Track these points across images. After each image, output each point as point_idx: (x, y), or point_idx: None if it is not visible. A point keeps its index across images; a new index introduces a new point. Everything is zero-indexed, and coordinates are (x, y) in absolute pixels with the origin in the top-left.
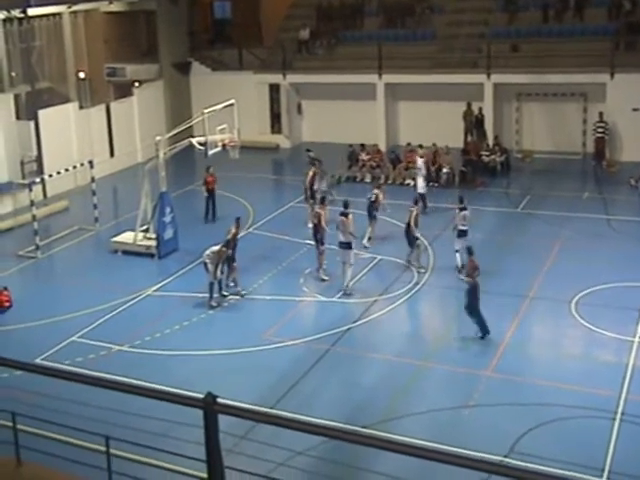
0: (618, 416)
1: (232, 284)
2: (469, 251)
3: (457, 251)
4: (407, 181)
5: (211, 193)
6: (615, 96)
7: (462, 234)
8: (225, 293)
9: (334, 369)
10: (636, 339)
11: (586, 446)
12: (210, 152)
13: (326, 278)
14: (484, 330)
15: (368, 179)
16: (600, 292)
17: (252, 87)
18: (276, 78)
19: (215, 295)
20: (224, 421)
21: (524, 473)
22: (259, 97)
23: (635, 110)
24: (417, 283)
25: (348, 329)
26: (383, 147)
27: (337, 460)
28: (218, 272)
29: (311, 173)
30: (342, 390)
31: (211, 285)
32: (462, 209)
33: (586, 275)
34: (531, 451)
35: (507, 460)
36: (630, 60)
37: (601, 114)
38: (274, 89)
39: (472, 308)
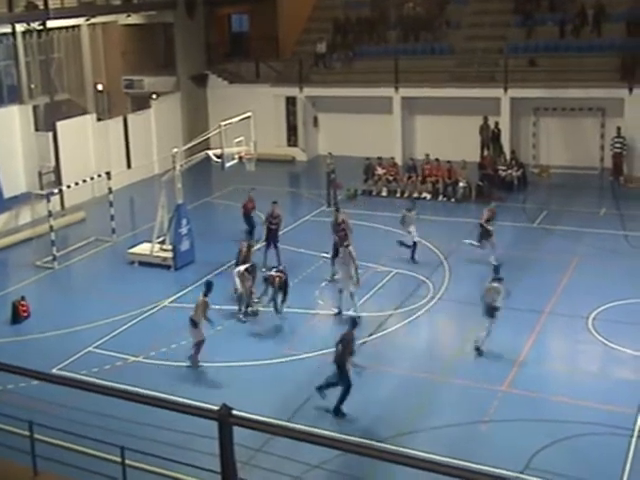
0: (635, 433)
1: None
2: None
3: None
4: (423, 195)
5: (247, 217)
6: (633, 111)
7: (489, 313)
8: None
9: None
10: None
11: (602, 463)
12: (227, 165)
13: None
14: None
15: (384, 193)
16: (617, 308)
17: (269, 100)
18: (293, 91)
19: (243, 309)
20: (240, 433)
21: None
22: (276, 110)
23: None
24: (433, 297)
25: (363, 343)
26: (399, 161)
27: (353, 474)
28: (246, 288)
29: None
30: (357, 404)
31: (239, 297)
32: (495, 279)
33: (603, 291)
34: (547, 467)
35: (523, 476)
36: None
37: (619, 129)
38: (291, 102)
39: None
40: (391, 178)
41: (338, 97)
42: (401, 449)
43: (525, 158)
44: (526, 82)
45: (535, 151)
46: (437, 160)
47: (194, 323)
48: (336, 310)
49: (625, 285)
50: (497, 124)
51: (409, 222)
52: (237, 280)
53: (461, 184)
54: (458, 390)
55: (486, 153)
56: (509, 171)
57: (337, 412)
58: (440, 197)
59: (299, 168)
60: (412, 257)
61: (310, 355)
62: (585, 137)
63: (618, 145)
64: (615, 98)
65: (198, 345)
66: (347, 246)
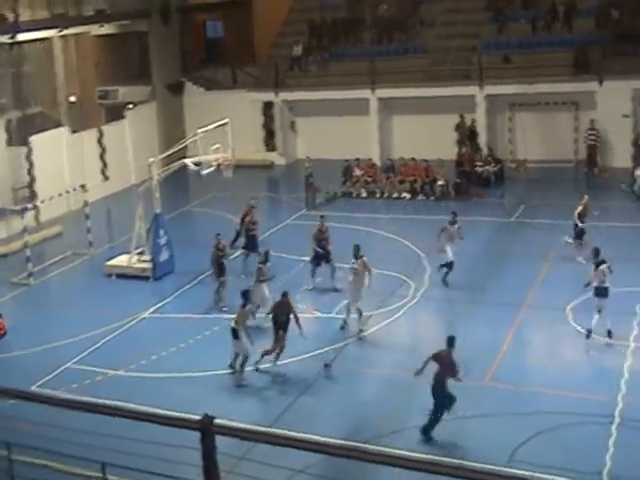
0: (616, 421)
1: (216, 297)
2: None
3: (599, 312)
4: (402, 194)
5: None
6: (605, 104)
7: (602, 293)
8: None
9: (332, 385)
10: (631, 344)
11: (585, 452)
12: (204, 172)
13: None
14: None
15: (364, 194)
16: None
17: (246, 105)
18: (269, 96)
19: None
20: (222, 442)
21: None
22: (253, 115)
23: (625, 117)
24: (414, 297)
25: (345, 345)
26: (377, 161)
27: (338, 477)
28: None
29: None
30: (341, 406)
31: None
32: (600, 263)
33: (581, 282)
34: (531, 459)
35: (507, 469)
36: (618, 67)
37: (592, 121)
38: (267, 107)
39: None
40: (369, 179)
41: (315, 100)
42: (386, 449)
43: (502, 153)
44: (501, 79)
45: (512, 146)
46: (413, 159)
47: (235, 334)
48: (342, 324)
49: None
50: (473, 121)
51: (448, 237)
52: (265, 290)
53: (439, 182)
54: None
55: (464, 150)
56: (486, 167)
57: (427, 433)
58: (419, 196)
59: (278, 172)
60: (443, 279)
61: (293, 359)
62: (560, 130)
63: (592, 137)
64: (587, 91)
65: (242, 362)
66: (361, 257)
